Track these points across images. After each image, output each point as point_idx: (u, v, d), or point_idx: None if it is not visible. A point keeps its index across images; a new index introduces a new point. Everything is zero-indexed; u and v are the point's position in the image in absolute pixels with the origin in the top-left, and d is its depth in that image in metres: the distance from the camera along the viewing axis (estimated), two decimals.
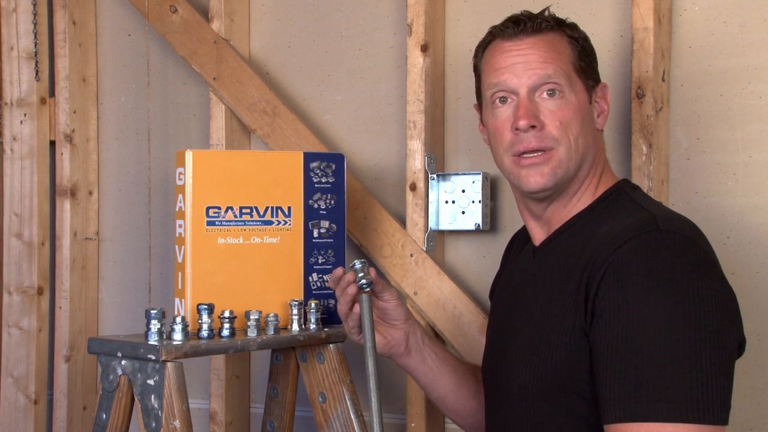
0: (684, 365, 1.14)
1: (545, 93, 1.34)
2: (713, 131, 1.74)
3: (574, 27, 1.39)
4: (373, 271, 1.50)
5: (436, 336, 1.95)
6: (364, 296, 1.46)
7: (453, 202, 1.95)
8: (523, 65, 1.34)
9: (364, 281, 1.49)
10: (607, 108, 1.37)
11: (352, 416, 1.69)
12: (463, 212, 1.94)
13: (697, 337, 1.15)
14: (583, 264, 1.23)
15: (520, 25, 1.36)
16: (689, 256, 1.19)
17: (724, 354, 1.16)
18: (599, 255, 1.22)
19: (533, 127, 1.33)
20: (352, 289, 1.49)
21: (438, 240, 1.98)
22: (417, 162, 1.95)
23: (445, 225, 1.96)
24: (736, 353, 1.21)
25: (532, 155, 1.35)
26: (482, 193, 1.93)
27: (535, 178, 1.35)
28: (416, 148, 1.95)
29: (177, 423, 1.49)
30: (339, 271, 1.53)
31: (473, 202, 1.93)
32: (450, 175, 1.95)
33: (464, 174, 1.94)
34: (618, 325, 1.18)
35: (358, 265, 1.50)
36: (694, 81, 1.75)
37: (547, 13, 1.39)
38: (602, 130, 1.41)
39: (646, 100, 1.71)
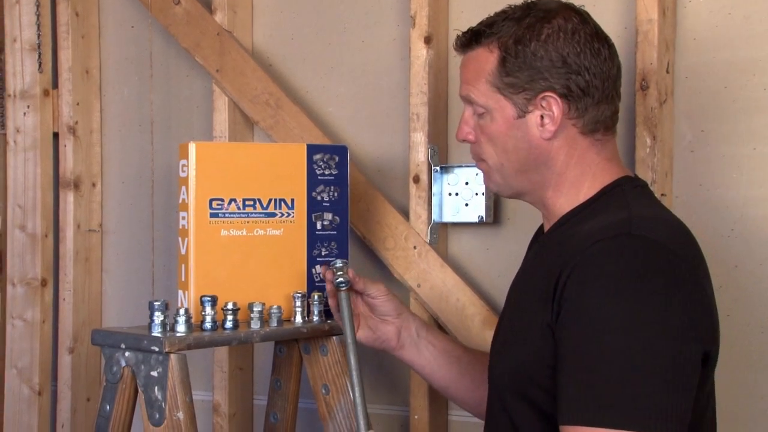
0: (634, 372, 1.14)
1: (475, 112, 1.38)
2: (717, 123, 1.74)
3: (507, 32, 1.33)
4: (351, 272, 1.54)
5: (439, 328, 1.95)
6: (342, 294, 1.52)
7: (456, 194, 1.95)
8: (461, 84, 1.39)
9: (340, 280, 1.54)
10: (556, 114, 1.33)
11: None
12: (467, 204, 1.94)
13: (650, 345, 1.15)
14: (560, 262, 1.24)
15: (457, 41, 1.39)
16: (654, 263, 1.18)
17: (680, 363, 1.15)
18: (571, 255, 1.23)
19: (469, 141, 1.39)
20: (328, 287, 1.56)
21: (441, 232, 1.98)
22: (420, 154, 1.95)
23: (448, 217, 1.96)
24: (699, 365, 1.19)
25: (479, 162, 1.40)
26: (486, 187, 1.91)
27: (485, 182, 1.42)
28: (419, 140, 1.95)
29: (180, 414, 1.49)
30: (322, 269, 1.60)
31: (476, 194, 1.93)
32: (453, 167, 1.95)
33: (467, 166, 1.94)
34: (577, 327, 1.19)
35: (338, 263, 1.55)
36: (699, 73, 1.75)
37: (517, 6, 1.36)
38: (584, 134, 1.35)
39: (650, 93, 1.70)
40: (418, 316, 1.65)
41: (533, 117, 1.34)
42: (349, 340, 1.48)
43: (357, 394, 1.45)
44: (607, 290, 1.18)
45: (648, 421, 1.13)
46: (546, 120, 1.33)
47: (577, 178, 1.35)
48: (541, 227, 1.46)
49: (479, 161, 1.41)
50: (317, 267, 1.76)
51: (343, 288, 1.53)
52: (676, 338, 1.16)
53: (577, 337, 1.19)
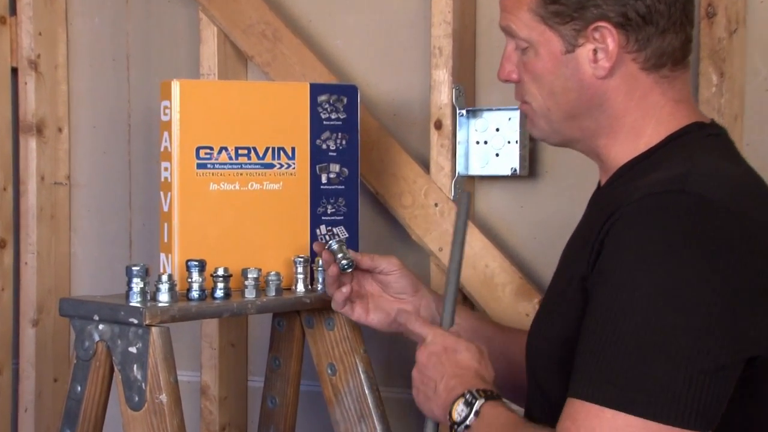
0: (650, 350, 1.15)
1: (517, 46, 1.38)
2: None
3: None
4: (351, 251, 1.58)
5: (464, 299, 1.95)
6: (464, 194, 1.51)
7: (485, 142, 1.94)
8: (501, 13, 1.39)
9: (344, 262, 1.56)
10: (612, 48, 1.31)
11: (366, 391, 1.70)
12: (497, 154, 1.94)
13: (674, 322, 1.15)
14: (605, 217, 1.25)
15: None
16: (704, 227, 1.18)
17: (707, 347, 1.15)
18: (617, 208, 1.23)
19: (512, 81, 1.40)
20: (333, 270, 1.58)
21: (467, 187, 1.98)
22: (443, 95, 1.94)
23: (475, 169, 1.95)
24: (740, 354, 1.18)
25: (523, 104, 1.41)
26: (520, 132, 1.91)
27: (528, 127, 1.42)
28: (442, 78, 1.94)
29: (163, 397, 1.50)
30: (317, 247, 1.62)
31: (509, 142, 1.92)
32: (482, 110, 1.95)
33: (498, 109, 1.93)
34: (602, 289, 1.21)
35: (334, 246, 1.58)
36: None
37: None
38: (646, 70, 1.34)
39: (718, 20, 1.69)
40: (437, 293, 1.65)
41: (584, 52, 1.32)
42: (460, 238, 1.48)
43: (452, 283, 1.47)
44: (640, 253, 1.18)
45: (656, 408, 1.14)
46: (600, 55, 1.32)
47: (638, 124, 1.34)
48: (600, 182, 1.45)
49: (522, 103, 1.41)
50: (322, 227, 1.76)
51: (349, 270, 1.57)
52: (707, 319, 1.15)
53: (599, 299, 1.20)
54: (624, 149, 1.35)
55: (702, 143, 1.33)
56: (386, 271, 1.59)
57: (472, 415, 1.31)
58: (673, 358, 1.15)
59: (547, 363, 1.34)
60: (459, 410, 1.33)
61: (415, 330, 1.47)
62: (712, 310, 1.16)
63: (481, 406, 1.31)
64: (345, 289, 1.59)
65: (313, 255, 1.73)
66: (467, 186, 1.98)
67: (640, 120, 1.34)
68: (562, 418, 1.19)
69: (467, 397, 1.33)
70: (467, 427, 1.32)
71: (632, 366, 1.15)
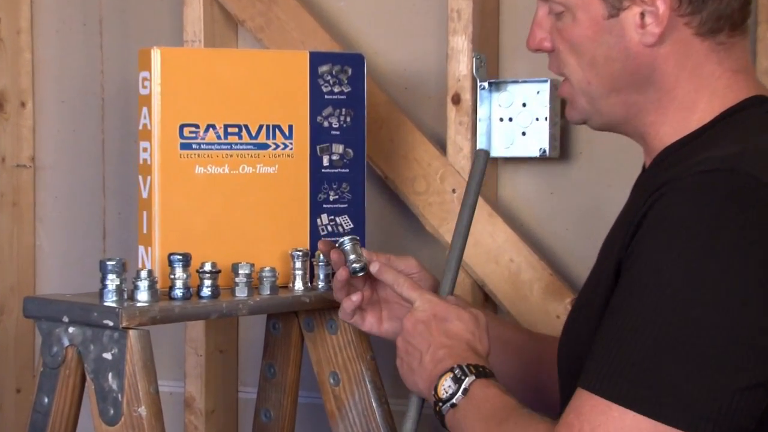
0: (673, 346, 1.15)
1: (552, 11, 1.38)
2: None
3: None
4: (366, 252, 1.57)
5: (485, 299, 1.96)
6: (480, 151, 1.52)
7: (510, 119, 1.94)
8: None
9: (356, 265, 1.55)
10: (662, 11, 1.31)
11: (374, 404, 1.71)
12: (524, 133, 1.93)
13: (704, 316, 1.16)
14: (648, 196, 1.25)
15: None
16: (753, 215, 1.18)
17: (740, 348, 1.15)
18: (661, 185, 1.24)
19: (544, 50, 1.40)
20: (342, 274, 1.57)
21: (490, 170, 1.96)
22: (462, 65, 1.94)
23: (499, 150, 1.95)
24: None
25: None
26: (550, 108, 1.91)
27: (568, 111, 1.42)
28: (461, 46, 1.94)
29: (142, 410, 1.49)
30: (322, 245, 1.64)
31: (537, 119, 1.92)
32: (506, 83, 1.94)
33: (525, 82, 1.93)
34: (629, 274, 1.22)
35: (347, 245, 1.56)
36: None
37: None
38: (701, 36, 1.34)
39: None
40: (460, 296, 1.65)
41: (630, 15, 1.32)
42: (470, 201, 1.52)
43: (456, 248, 1.51)
44: (674, 236, 1.19)
45: (670, 410, 1.14)
46: (648, 19, 1.31)
47: (690, 97, 1.34)
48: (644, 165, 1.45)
49: (563, 82, 1.40)
50: (324, 216, 1.76)
51: (360, 274, 1.56)
52: (739, 317, 1.15)
53: (623, 283, 1.22)
54: (673, 127, 1.35)
55: (762, 120, 1.32)
56: (403, 272, 1.57)
57: (459, 392, 1.33)
58: (694, 357, 1.15)
59: (581, 369, 1.34)
60: (446, 386, 1.35)
61: (402, 293, 1.49)
62: (747, 309, 1.16)
63: (470, 384, 1.33)
64: (355, 297, 1.58)
65: (314, 247, 1.73)
66: (490, 168, 1.97)
67: (693, 93, 1.34)
68: (567, 411, 1.21)
69: (456, 372, 1.35)
70: (453, 405, 1.33)
71: (648, 360, 1.16)
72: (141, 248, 1.68)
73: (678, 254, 1.18)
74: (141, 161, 1.69)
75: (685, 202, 1.20)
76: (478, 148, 1.56)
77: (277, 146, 1.73)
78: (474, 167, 1.52)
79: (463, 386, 1.33)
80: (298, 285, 1.69)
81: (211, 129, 1.69)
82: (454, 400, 1.33)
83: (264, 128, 1.72)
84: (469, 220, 1.51)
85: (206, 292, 1.60)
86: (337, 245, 1.58)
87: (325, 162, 1.76)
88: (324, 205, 1.76)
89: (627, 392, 1.16)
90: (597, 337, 1.22)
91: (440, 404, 1.35)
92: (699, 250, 1.17)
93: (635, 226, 1.24)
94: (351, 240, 1.57)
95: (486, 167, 1.53)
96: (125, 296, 1.55)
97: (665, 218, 1.21)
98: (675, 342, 1.16)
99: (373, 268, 1.55)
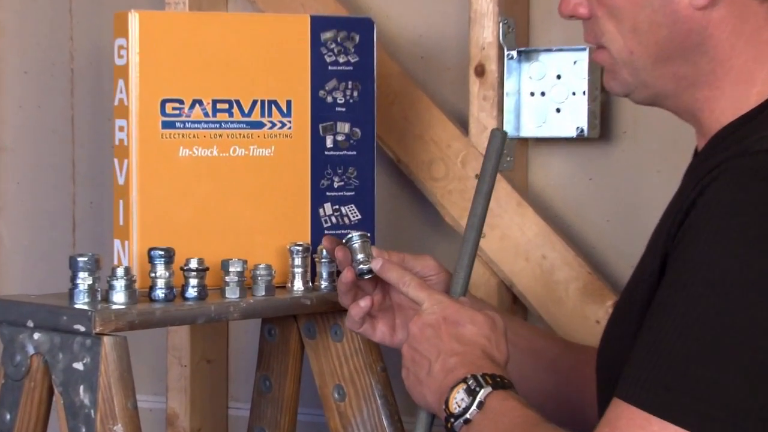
0: (718, 353, 1.16)
1: None
2: None
3: None
4: (377, 250, 1.56)
5: (513, 302, 1.96)
6: (496, 132, 1.53)
7: (542, 94, 1.95)
8: None
9: (363, 267, 1.55)
10: None
11: (385, 421, 1.71)
12: (558, 110, 1.94)
13: (756, 319, 1.16)
14: (699, 180, 1.27)
15: None
16: None
17: None
18: (712, 172, 1.25)
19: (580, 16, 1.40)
20: (348, 276, 1.56)
21: (518, 153, 1.98)
22: (486, 32, 1.94)
23: (529, 130, 1.96)
24: None
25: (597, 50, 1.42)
26: (589, 81, 1.91)
27: (607, 81, 1.43)
28: (485, 9, 1.94)
29: (118, 428, 1.50)
30: (326, 242, 1.63)
31: (574, 94, 1.93)
32: (538, 51, 1.95)
33: (560, 50, 1.93)
34: (673, 270, 1.23)
35: (355, 242, 1.56)
36: None
37: None
38: None
39: None
40: (486, 301, 1.65)
41: None
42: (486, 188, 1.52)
43: (469, 242, 1.52)
44: (724, 225, 1.19)
45: (720, 426, 1.15)
46: None
47: (748, 68, 1.35)
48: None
49: (598, 49, 1.41)
50: (327, 206, 1.76)
51: (368, 277, 1.56)
52: None
53: (670, 282, 1.22)
54: (730, 103, 1.36)
55: None
56: (420, 274, 1.57)
57: (474, 406, 1.33)
58: (747, 364, 1.15)
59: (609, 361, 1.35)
60: (458, 399, 1.35)
61: (409, 294, 1.50)
62: None
63: (486, 396, 1.33)
64: (364, 303, 1.57)
65: (315, 242, 1.73)
66: (519, 150, 1.97)
67: (752, 63, 1.35)
68: (602, 423, 1.21)
69: (470, 382, 1.35)
70: (467, 421, 1.33)
71: (695, 367, 1.16)
72: (117, 242, 1.69)
73: (726, 248, 1.19)
74: (117, 142, 1.68)
75: (740, 187, 1.21)
76: (494, 129, 1.55)
77: (274, 125, 1.73)
78: (489, 150, 1.52)
79: (477, 399, 1.33)
80: (298, 285, 1.69)
81: (197, 105, 1.69)
82: (467, 415, 1.33)
83: (258, 104, 1.72)
84: (484, 211, 1.51)
85: (192, 292, 1.61)
86: (344, 242, 1.57)
87: (329, 143, 1.76)
88: (327, 193, 1.76)
89: (669, 404, 1.16)
90: (637, 341, 1.22)
91: (452, 420, 1.34)
92: (750, 244, 1.18)
93: (683, 214, 1.24)
94: (360, 237, 1.57)
95: (503, 150, 1.53)
96: (99, 297, 1.56)
97: (713, 206, 1.21)
98: (726, 347, 1.16)
99: (376, 265, 1.54)
